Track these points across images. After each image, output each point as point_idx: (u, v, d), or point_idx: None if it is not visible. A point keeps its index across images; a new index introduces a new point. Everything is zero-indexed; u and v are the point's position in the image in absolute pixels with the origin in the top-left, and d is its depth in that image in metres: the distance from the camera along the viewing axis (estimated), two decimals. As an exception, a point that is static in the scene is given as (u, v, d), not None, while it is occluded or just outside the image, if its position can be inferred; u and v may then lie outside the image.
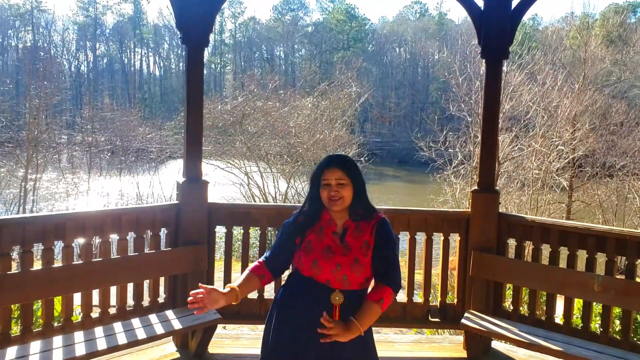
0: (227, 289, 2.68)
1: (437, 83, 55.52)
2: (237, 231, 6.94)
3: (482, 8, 4.84)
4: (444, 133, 18.57)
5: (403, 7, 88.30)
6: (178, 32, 4.70)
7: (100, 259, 4.29)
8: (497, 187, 5.11)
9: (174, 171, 20.86)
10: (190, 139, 4.75)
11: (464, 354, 4.86)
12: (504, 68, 16.77)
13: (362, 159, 19.02)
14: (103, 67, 76.97)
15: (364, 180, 2.80)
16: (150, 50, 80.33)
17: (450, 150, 18.21)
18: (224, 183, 18.81)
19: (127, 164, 22.30)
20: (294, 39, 75.56)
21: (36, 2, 73.61)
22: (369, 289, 2.76)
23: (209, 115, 18.28)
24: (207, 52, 79.45)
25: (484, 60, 4.98)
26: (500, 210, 4.96)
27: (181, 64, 75.95)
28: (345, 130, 20.44)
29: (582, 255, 4.56)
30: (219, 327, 6.59)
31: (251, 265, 2.87)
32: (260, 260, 2.86)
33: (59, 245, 4.19)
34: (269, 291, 5.00)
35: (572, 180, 19.63)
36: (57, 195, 20.34)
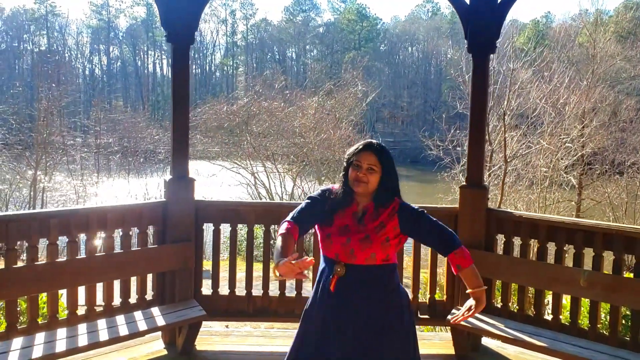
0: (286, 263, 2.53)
1: (449, 82, 55.25)
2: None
3: (468, 2, 4.81)
4: (452, 131, 18.47)
5: (415, 6, 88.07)
6: (163, 31, 4.72)
7: (85, 257, 4.32)
8: (485, 183, 5.06)
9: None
10: (176, 137, 4.77)
11: (453, 351, 4.83)
12: (511, 65, 16.67)
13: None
14: (117, 69, 77.58)
15: (395, 171, 2.85)
16: (163, 52, 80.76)
17: (458, 148, 18.15)
18: (231, 184, 18.89)
19: (136, 165, 22.46)
20: (305, 40, 75.61)
21: (50, 6, 74.42)
22: (388, 264, 2.84)
23: (215, 117, 18.37)
24: (219, 55, 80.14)
25: (470, 55, 4.93)
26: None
27: (194, 66, 76.33)
28: (352, 130, 20.41)
29: (572, 250, 4.52)
30: (220, 324, 6.66)
31: (281, 230, 2.75)
32: (288, 220, 2.80)
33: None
34: (257, 287, 5.02)
35: (582, 178, 19.45)
36: (66, 198, 20.51)
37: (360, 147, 2.81)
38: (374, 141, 2.87)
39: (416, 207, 2.86)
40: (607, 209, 18.49)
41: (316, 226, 2.89)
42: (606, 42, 23.97)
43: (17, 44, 72.24)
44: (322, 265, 2.89)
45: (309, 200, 2.91)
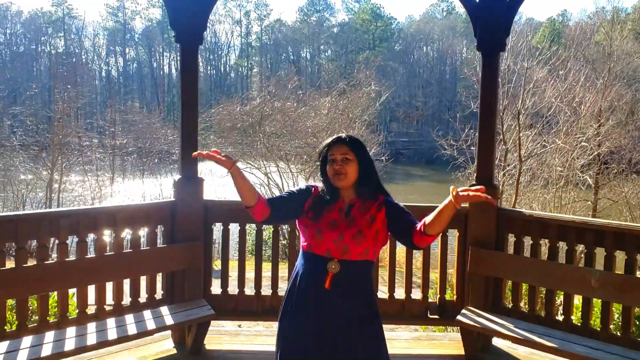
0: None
1: (464, 81, 54.95)
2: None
3: (478, 0, 4.78)
4: (466, 131, 18.36)
5: (430, 6, 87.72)
6: (172, 31, 4.74)
7: (95, 256, 4.35)
8: (496, 182, 5.02)
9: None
10: (185, 136, 4.77)
11: (463, 351, 4.79)
12: (525, 64, 16.53)
13: (382, 158, 18.94)
14: (132, 71, 78.21)
15: (371, 159, 2.86)
16: (179, 54, 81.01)
17: (472, 148, 18.05)
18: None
19: (150, 165, 22.64)
20: (319, 40, 75.65)
21: (67, 8, 75.26)
22: (372, 258, 2.81)
23: (229, 117, 18.43)
24: (234, 56, 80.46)
25: (480, 53, 4.89)
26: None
27: (209, 67, 76.72)
28: (365, 130, 20.38)
29: (583, 250, 4.47)
30: (232, 324, 6.67)
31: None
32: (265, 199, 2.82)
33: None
34: (266, 286, 5.03)
35: (598, 177, 19.24)
36: (82, 198, 20.72)
37: (329, 140, 2.83)
38: (343, 134, 2.88)
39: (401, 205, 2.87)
40: (624, 209, 18.28)
41: (297, 222, 2.85)
42: (623, 40, 23.71)
43: (34, 46, 73.15)
44: (308, 263, 2.79)
45: (292, 190, 2.91)
